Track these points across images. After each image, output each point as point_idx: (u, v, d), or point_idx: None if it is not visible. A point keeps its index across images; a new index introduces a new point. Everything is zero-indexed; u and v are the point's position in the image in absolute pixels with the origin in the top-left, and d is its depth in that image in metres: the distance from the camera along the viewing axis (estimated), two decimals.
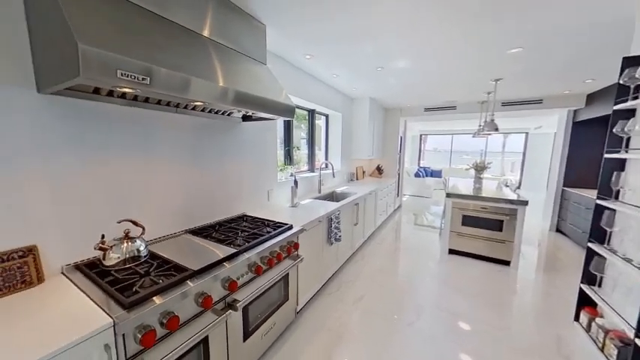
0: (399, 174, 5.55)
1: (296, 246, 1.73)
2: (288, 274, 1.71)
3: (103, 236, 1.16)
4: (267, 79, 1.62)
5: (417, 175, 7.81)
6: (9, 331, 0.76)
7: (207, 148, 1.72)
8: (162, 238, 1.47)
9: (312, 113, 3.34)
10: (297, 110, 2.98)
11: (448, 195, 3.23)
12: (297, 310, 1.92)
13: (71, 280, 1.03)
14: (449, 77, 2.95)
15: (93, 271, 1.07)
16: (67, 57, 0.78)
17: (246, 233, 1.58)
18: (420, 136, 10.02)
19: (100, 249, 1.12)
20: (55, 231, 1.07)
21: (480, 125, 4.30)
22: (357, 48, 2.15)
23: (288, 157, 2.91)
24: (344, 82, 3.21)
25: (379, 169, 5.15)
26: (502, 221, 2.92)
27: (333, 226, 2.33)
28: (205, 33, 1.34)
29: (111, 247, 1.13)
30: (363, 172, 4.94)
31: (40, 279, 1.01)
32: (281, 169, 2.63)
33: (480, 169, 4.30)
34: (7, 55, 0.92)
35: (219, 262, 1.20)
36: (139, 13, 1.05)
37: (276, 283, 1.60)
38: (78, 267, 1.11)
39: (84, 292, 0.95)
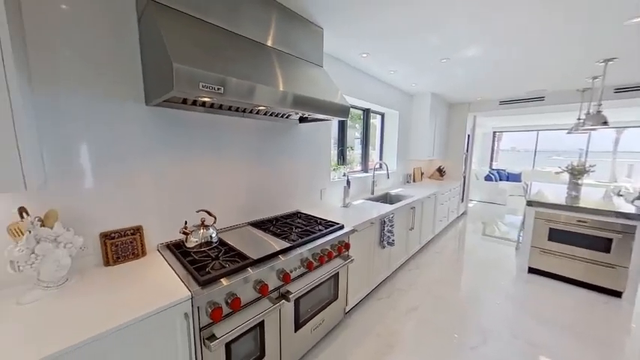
0: (464, 177, 4.96)
1: (347, 246, 1.72)
2: (338, 273, 1.73)
3: (185, 222, 1.39)
4: (324, 81, 1.67)
5: (488, 178, 6.82)
6: (123, 291, 0.98)
7: (268, 149, 1.87)
8: (228, 227, 1.67)
9: (366, 112, 3.28)
10: (351, 110, 2.97)
11: (530, 203, 2.72)
12: (346, 311, 1.92)
13: (163, 256, 1.27)
14: (536, 62, 2.48)
15: (178, 250, 1.29)
16: (165, 75, 0.96)
17: (300, 229, 1.66)
18: (494, 133, 8.65)
19: (184, 233, 1.34)
20: (154, 215, 1.34)
21: (580, 119, 3.44)
22: (419, 40, 2.01)
23: (342, 157, 2.93)
24: (402, 77, 3.04)
25: (440, 171, 4.70)
26: (611, 240, 2.30)
27: (385, 229, 2.24)
28: (269, 43, 1.46)
29: (191, 232, 1.35)
30: (422, 174, 4.58)
31: (143, 253, 1.28)
32: (334, 169, 2.66)
33: (577, 172, 3.46)
34: (127, 77, 1.19)
35: (275, 254, 1.30)
36: (216, 31, 1.22)
37: (326, 281, 1.63)
38: (168, 246, 1.36)
39: (171, 267, 1.16)
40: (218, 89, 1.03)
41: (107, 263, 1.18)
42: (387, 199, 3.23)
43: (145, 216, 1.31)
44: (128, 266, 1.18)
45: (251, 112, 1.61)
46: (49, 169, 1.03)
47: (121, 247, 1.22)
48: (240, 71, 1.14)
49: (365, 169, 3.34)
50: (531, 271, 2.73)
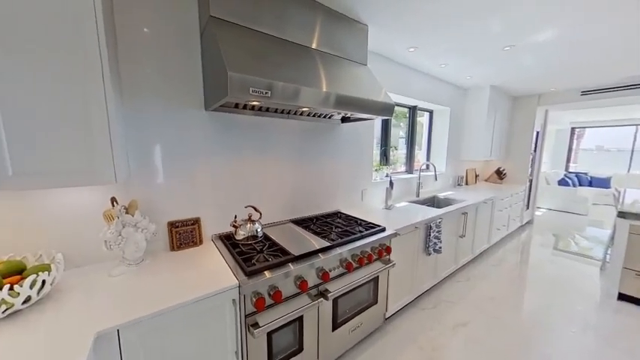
0: (530, 180, 4.30)
1: (388, 250, 1.66)
2: (378, 276, 1.68)
3: (235, 217, 1.52)
4: (367, 79, 1.64)
5: (563, 183, 5.80)
6: (184, 274, 1.12)
7: (310, 149, 1.92)
8: (272, 223, 1.77)
9: (413, 110, 3.10)
10: (396, 108, 2.85)
11: (623, 215, 2.22)
12: (386, 317, 1.85)
13: (216, 246, 1.41)
14: (632, 42, 2.01)
15: (228, 242, 1.42)
16: (221, 82, 1.06)
17: (340, 229, 1.66)
18: (572, 129, 7.28)
19: (233, 226, 1.47)
20: (210, 209, 1.49)
21: None
22: (476, 28, 1.81)
23: (384, 158, 2.83)
24: (454, 71, 2.78)
25: (500, 173, 4.16)
26: None
27: (432, 234, 2.09)
28: (313, 45, 1.50)
29: (240, 225, 1.46)
30: (476, 176, 4.13)
31: (201, 241, 1.44)
32: (376, 170, 2.59)
33: None
34: (191, 86, 1.35)
35: (314, 252, 1.33)
36: (265, 39, 1.30)
37: (366, 284, 1.59)
38: (220, 237, 1.51)
39: (223, 257, 1.28)
40: (266, 93, 1.09)
41: (172, 248, 1.36)
42: (434, 202, 3.01)
43: (202, 209, 1.47)
44: (188, 252, 1.34)
45: (295, 113, 1.67)
46: (132, 166, 1.24)
47: (183, 235, 1.39)
48: (285, 75, 1.19)
49: (410, 170, 3.16)
50: (622, 297, 2.22)
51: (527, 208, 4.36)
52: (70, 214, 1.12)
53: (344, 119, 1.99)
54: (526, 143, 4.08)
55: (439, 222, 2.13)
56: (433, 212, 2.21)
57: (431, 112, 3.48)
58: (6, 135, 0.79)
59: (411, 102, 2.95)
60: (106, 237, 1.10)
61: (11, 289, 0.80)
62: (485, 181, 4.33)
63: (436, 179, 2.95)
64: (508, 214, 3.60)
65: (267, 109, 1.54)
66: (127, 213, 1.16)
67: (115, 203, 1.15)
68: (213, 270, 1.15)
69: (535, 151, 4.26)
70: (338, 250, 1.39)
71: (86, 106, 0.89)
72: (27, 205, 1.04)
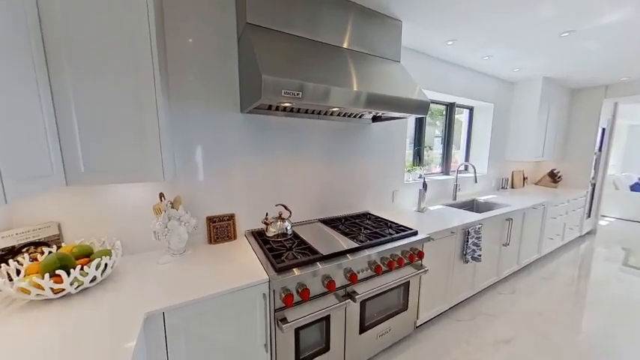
0: (593, 184, 3.74)
1: (420, 254, 1.58)
2: (409, 282, 1.61)
3: (267, 214, 1.58)
4: (400, 76, 1.58)
5: (636, 188, 4.94)
6: (220, 267, 1.20)
7: (340, 149, 1.92)
8: (301, 222, 1.80)
9: (450, 107, 2.90)
10: (432, 106, 2.70)
11: None
12: (417, 325, 1.77)
13: (248, 241, 1.48)
14: None
15: (260, 238, 1.48)
16: (255, 85, 1.11)
17: (369, 231, 1.62)
18: None
19: (265, 223, 1.53)
20: (244, 205, 1.58)
21: None
22: (525, 15, 1.63)
23: (418, 158, 2.70)
24: (500, 63, 2.54)
25: (554, 176, 3.70)
26: None
27: (470, 241, 1.94)
28: (345, 45, 1.49)
29: (270, 223, 1.52)
30: (524, 179, 3.72)
31: (235, 236, 1.53)
32: (408, 170, 2.48)
33: None
34: (229, 90, 1.44)
35: (343, 253, 1.32)
36: (298, 42, 1.32)
37: (395, 288, 1.54)
38: (252, 233, 1.58)
39: (254, 252, 1.34)
40: (297, 94, 1.12)
41: (210, 241, 1.46)
42: (473, 206, 2.79)
43: (237, 206, 1.55)
44: (224, 246, 1.43)
45: (325, 113, 1.68)
46: (177, 165, 1.36)
47: (220, 229, 1.49)
48: (316, 76, 1.20)
49: (446, 171, 2.97)
50: None
51: (589, 216, 3.80)
52: (126, 207, 1.28)
53: (375, 118, 1.95)
54: (588, 142, 3.56)
55: (478, 228, 1.97)
56: (472, 217, 2.05)
57: (471, 109, 3.23)
58: (80, 139, 0.93)
59: (449, 98, 2.77)
60: (155, 228, 1.22)
61: (82, 269, 0.94)
62: (536, 184, 3.88)
63: (476, 181, 2.73)
64: (564, 223, 3.18)
65: (299, 110, 1.57)
66: (172, 207, 1.28)
67: (162, 198, 1.27)
68: (245, 264, 1.21)
69: (600, 150, 3.69)
70: (366, 252, 1.36)
71: (141, 114, 1.00)
72: (93, 200, 1.21)
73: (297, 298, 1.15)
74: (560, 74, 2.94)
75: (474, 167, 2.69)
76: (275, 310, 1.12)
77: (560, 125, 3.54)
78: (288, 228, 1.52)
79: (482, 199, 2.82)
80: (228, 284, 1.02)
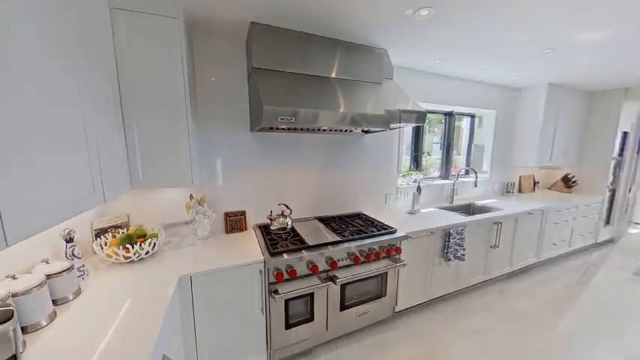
0: (613, 190, 3.60)
1: (398, 250, 1.86)
2: (387, 272, 1.89)
3: (271, 212, 1.97)
4: (390, 94, 1.88)
5: None
6: (232, 250, 1.61)
7: (335, 157, 2.24)
8: (300, 219, 2.16)
9: (449, 116, 3.05)
10: (430, 115, 2.88)
11: None
12: (396, 311, 2.04)
13: (255, 233, 1.88)
14: None
15: (265, 230, 1.87)
16: (258, 112, 1.49)
17: (355, 228, 1.94)
18: None
19: (269, 219, 1.92)
20: (253, 204, 1.98)
21: None
22: (501, 38, 1.80)
23: (415, 163, 2.91)
24: (495, 74, 2.65)
25: (567, 181, 3.63)
26: None
27: (452, 241, 2.15)
28: (333, 75, 1.81)
29: (274, 218, 1.90)
30: (535, 184, 3.70)
31: (246, 228, 1.94)
32: (404, 175, 2.71)
33: None
34: (242, 115, 1.85)
35: (325, 244, 1.66)
36: (293, 77, 1.67)
37: (373, 277, 1.84)
38: (259, 226, 1.98)
39: (257, 241, 1.73)
40: (290, 119, 1.47)
41: (226, 232, 1.89)
42: (469, 209, 2.93)
43: (247, 204, 1.97)
44: (237, 235, 1.85)
45: (318, 130, 2.02)
46: (203, 173, 1.80)
47: (234, 222, 1.91)
48: (307, 103, 1.54)
49: (445, 176, 3.13)
50: None
51: (608, 223, 3.66)
52: (167, 203, 1.75)
53: (365, 131, 2.24)
54: (606, 146, 3.44)
55: (461, 230, 2.17)
56: (457, 219, 2.25)
57: (472, 116, 3.33)
58: (140, 157, 1.38)
59: (448, 108, 2.92)
60: (186, 220, 1.67)
61: (140, 245, 1.40)
62: (549, 189, 3.82)
63: (476, 185, 2.87)
64: (571, 229, 3.16)
65: (295, 129, 1.93)
66: (199, 204, 1.72)
67: (192, 198, 1.72)
68: (250, 249, 1.61)
69: (621, 155, 3.54)
70: (346, 245, 1.69)
71: (178, 139, 1.44)
72: (147, 199, 1.69)
73: (286, 276, 1.52)
74: (566, 81, 2.93)
75: (475, 172, 2.83)
76: (269, 284, 1.50)
77: (573, 129, 3.46)
78: (289, 223, 1.89)
79: (480, 202, 2.94)
80: (235, 262, 1.42)
